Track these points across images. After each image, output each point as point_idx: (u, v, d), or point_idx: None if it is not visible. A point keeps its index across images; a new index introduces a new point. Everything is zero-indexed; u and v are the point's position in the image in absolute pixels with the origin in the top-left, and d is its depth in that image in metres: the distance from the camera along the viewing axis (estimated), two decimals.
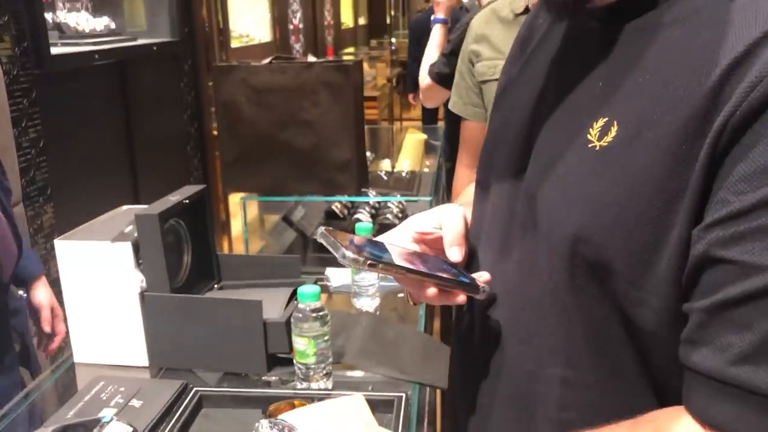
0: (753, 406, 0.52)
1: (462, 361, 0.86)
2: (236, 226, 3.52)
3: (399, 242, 0.79)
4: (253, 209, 3.35)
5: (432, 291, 0.72)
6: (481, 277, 0.74)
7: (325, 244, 0.68)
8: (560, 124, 0.69)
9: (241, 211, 3.09)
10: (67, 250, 1.33)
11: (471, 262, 0.80)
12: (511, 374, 0.73)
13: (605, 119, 0.62)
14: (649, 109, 0.59)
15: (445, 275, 0.72)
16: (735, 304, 0.53)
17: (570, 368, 0.66)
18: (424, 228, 0.79)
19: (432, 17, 2.59)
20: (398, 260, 0.70)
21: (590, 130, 0.63)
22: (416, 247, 0.80)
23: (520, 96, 0.77)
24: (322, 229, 0.69)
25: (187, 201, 1.38)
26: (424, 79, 2.44)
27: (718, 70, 0.54)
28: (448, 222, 0.78)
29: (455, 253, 0.76)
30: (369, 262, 0.67)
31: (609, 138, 0.61)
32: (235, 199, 3.87)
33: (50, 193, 2.37)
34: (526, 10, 1.67)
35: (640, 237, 0.58)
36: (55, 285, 1.54)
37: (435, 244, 0.79)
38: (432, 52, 2.48)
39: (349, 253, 0.66)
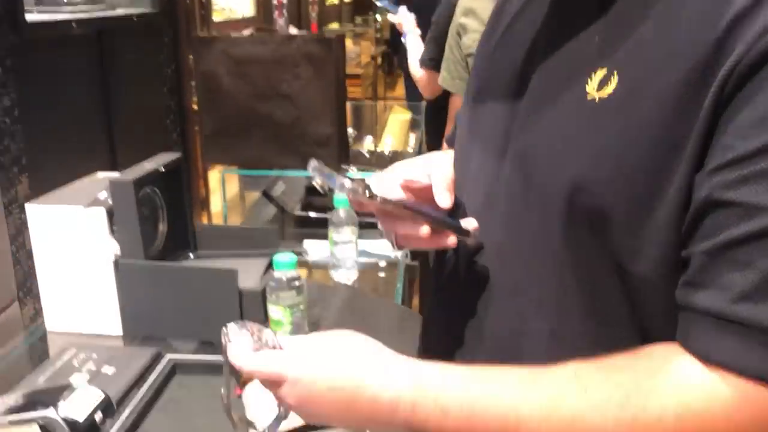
0: (756, 341, 0.53)
1: (440, 315, 0.85)
2: (216, 202, 3.50)
3: (386, 188, 0.79)
4: (233, 186, 3.33)
5: (425, 230, 0.71)
6: (470, 224, 0.73)
7: (318, 177, 0.67)
8: (553, 78, 0.68)
9: (220, 185, 3.08)
10: (38, 214, 1.31)
11: (454, 216, 0.80)
12: (495, 328, 0.72)
13: (604, 71, 0.62)
14: (650, 60, 0.59)
15: (438, 215, 0.72)
16: (738, 244, 0.53)
17: (560, 321, 0.66)
18: (413, 176, 0.78)
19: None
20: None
21: (588, 81, 0.63)
22: (402, 195, 0.80)
23: (506, 56, 0.77)
24: (314, 161, 0.68)
25: (162, 169, 1.36)
26: (418, 71, 2.42)
27: (724, 22, 0.54)
28: (438, 168, 0.78)
29: (445, 199, 0.75)
30: (368, 192, 0.67)
31: (609, 89, 0.61)
32: (215, 175, 3.85)
33: (24, 164, 2.32)
34: None
35: (640, 187, 0.58)
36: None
37: (421, 194, 0.79)
38: (414, 42, 2.46)
39: (347, 182, 0.66)
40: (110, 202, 1.28)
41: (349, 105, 2.81)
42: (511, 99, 0.73)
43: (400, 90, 6.87)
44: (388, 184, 0.81)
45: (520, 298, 0.69)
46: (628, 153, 0.59)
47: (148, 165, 1.34)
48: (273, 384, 0.67)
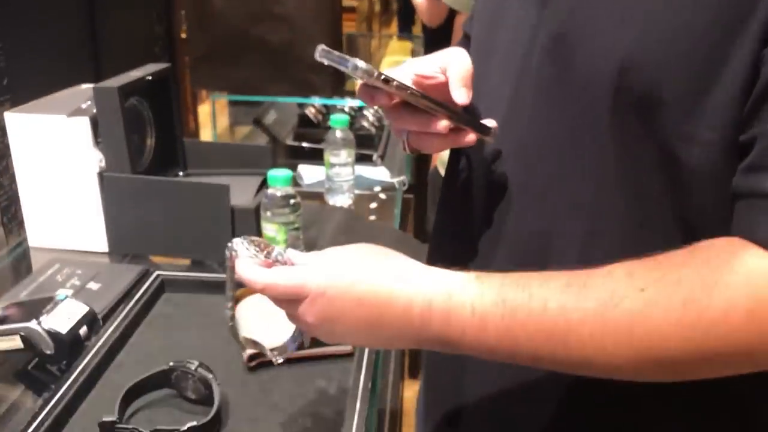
0: None
1: (450, 227, 0.79)
2: (206, 135, 3.41)
3: None
4: (223, 118, 3.24)
5: (443, 123, 0.65)
6: (489, 123, 0.67)
7: (327, 61, 0.60)
8: None
9: (210, 118, 2.99)
10: (18, 123, 1.23)
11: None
12: (518, 233, 0.66)
13: None
14: None
15: (457, 109, 0.66)
16: None
17: (596, 221, 0.61)
18: (426, 71, 0.71)
19: None
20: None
21: None
22: None
23: None
24: (322, 45, 0.61)
25: (150, 78, 1.28)
26: None
27: None
28: (455, 61, 0.70)
29: (462, 95, 0.68)
30: (383, 77, 0.60)
31: None
32: (205, 109, 3.75)
33: (7, 84, 2.23)
34: None
35: (697, 65, 0.53)
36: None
37: (436, 91, 0.72)
38: None
39: (361, 64, 0.59)
40: (94, 111, 1.21)
41: (343, 38, 2.70)
42: None
43: (394, 27, 6.71)
44: (401, 79, 0.74)
45: (549, 199, 0.63)
46: (687, 24, 0.53)
47: (135, 73, 1.27)
48: (290, 302, 0.60)
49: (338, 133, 1.53)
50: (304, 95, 2.16)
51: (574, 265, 0.55)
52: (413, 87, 0.64)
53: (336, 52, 0.61)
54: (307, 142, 2.17)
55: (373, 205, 1.63)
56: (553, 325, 0.53)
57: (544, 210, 0.64)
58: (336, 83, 2.15)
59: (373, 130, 2.20)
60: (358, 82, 0.67)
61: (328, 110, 2.36)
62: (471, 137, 0.67)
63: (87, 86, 1.39)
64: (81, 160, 1.23)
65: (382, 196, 1.67)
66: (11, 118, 1.23)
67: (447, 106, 0.65)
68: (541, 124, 0.64)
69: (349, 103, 2.34)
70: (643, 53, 0.54)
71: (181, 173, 1.42)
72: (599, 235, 0.61)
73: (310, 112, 2.33)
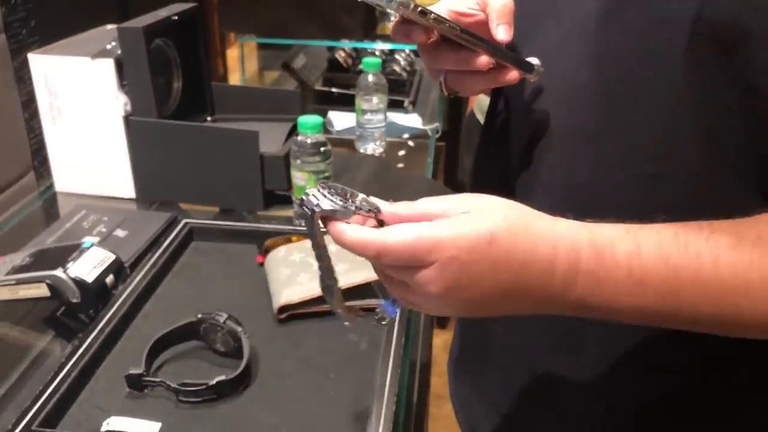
0: None
1: (489, 172, 0.75)
2: (234, 80, 3.36)
3: None
4: (252, 63, 3.18)
5: (483, 60, 0.60)
6: (532, 60, 0.62)
7: None
8: None
9: (239, 63, 2.94)
10: (42, 65, 1.20)
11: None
12: (568, 181, 0.61)
13: None
14: None
15: (498, 45, 0.60)
16: None
17: (664, 165, 0.55)
18: (462, 7, 0.66)
19: None
20: None
21: None
22: None
23: None
24: None
25: (176, 18, 1.23)
26: None
27: None
28: None
29: (503, 32, 0.62)
30: (420, 8, 0.56)
31: None
32: (233, 53, 3.69)
33: (34, 26, 2.19)
34: None
35: None
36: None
37: (474, 29, 0.66)
38: None
39: None
40: (118, 52, 1.17)
41: None
42: None
43: None
44: None
45: (604, 142, 0.58)
46: None
47: (161, 13, 1.22)
48: (406, 268, 0.49)
49: (370, 77, 1.47)
50: (334, 38, 2.10)
51: (634, 213, 0.51)
52: (450, 21, 0.59)
53: None
54: (336, 87, 2.12)
55: (405, 153, 1.58)
56: (726, 287, 0.48)
57: (599, 154, 0.59)
58: (367, 25, 2.08)
59: (404, 74, 2.13)
60: (391, 24, 0.62)
61: (358, 54, 2.29)
62: (513, 74, 0.62)
63: (112, 26, 1.35)
64: (106, 103, 1.19)
65: (414, 143, 1.62)
66: (35, 59, 1.19)
67: (487, 42, 0.60)
68: (595, 62, 0.58)
69: (380, 46, 2.26)
70: None
71: (209, 118, 1.38)
72: (666, 180, 0.56)
73: (340, 56, 2.27)
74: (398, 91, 1.93)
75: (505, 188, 0.67)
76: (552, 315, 0.53)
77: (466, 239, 0.48)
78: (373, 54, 2.22)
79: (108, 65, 1.16)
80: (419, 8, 0.56)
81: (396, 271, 0.50)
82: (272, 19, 2.07)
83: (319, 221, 0.52)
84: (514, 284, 0.49)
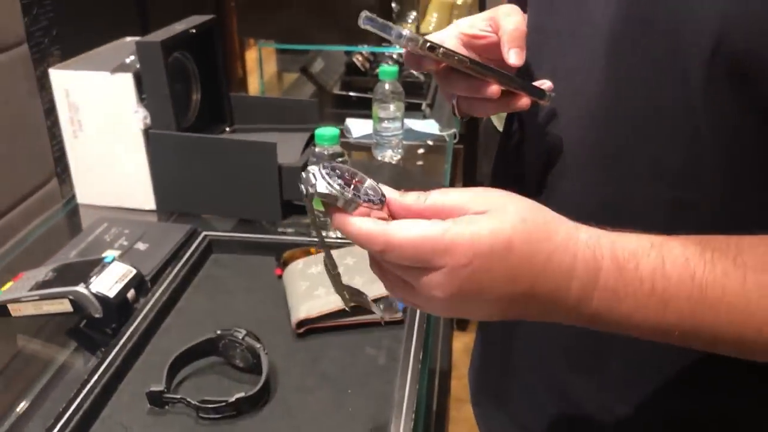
0: None
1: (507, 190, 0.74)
2: (253, 83, 3.38)
3: (446, 44, 0.67)
4: (271, 65, 3.19)
5: (493, 90, 0.60)
6: (543, 84, 0.61)
7: (371, 28, 0.56)
8: None
9: (257, 65, 2.95)
10: (63, 80, 1.21)
11: (525, 79, 0.68)
12: (586, 203, 0.60)
13: None
14: None
15: (508, 73, 0.61)
16: None
17: (685, 190, 0.55)
18: (474, 30, 0.66)
19: None
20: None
21: None
22: (464, 53, 0.68)
23: None
24: (365, 12, 0.57)
25: (194, 30, 1.24)
26: None
27: None
28: (507, 19, 0.64)
29: (515, 56, 0.62)
30: (429, 44, 0.56)
31: None
32: (252, 54, 3.70)
33: (55, 35, 2.21)
34: None
35: None
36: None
37: (486, 51, 0.66)
38: None
39: (406, 31, 0.55)
40: (137, 66, 1.18)
41: None
42: None
43: None
44: (448, 42, 0.69)
45: (624, 164, 0.58)
46: None
47: (179, 27, 1.23)
48: (412, 269, 0.46)
49: (387, 86, 1.47)
50: (352, 43, 2.10)
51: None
52: (460, 53, 0.59)
53: (380, 20, 0.57)
54: (354, 91, 2.12)
55: (422, 160, 1.58)
56: (751, 310, 0.47)
57: (617, 178, 0.59)
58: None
59: (421, 77, 2.13)
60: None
61: (375, 57, 2.29)
62: (525, 101, 0.62)
63: (131, 39, 1.36)
64: (126, 116, 1.20)
65: (431, 148, 1.62)
66: (56, 74, 1.21)
67: (497, 71, 0.61)
68: (614, 85, 0.58)
69: (398, 50, 2.26)
70: (743, 17, 0.48)
71: (227, 128, 1.39)
72: (687, 206, 0.55)
73: (357, 59, 2.27)
74: (416, 93, 1.93)
75: None
76: (572, 330, 0.52)
77: (481, 245, 0.45)
78: (390, 57, 2.22)
79: (127, 79, 1.17)
80: (428, 43, 0.57)
81: (400, 269, 0.47)
82: (291, 24, 2.08)
83: (313, 203, 0.48)
84: (525, 293, 0.47)
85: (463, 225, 0.46)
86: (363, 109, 1.73)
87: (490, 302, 0.48)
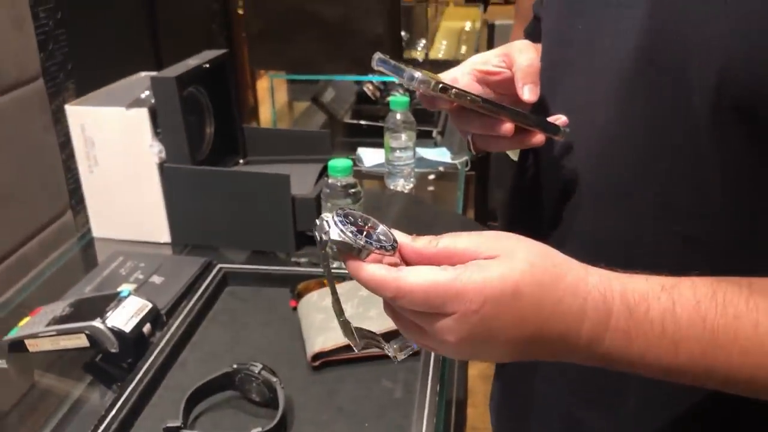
0: None
1: (520, 225, 0.75)
2: (264, 112, 3.41)
3: (459, 82, 0.67)
4: (282, 94, 3.22)
5: (507, 127, 0.60)
6: (558, 120, 0.62)
7: (384, 70, 0.57)
8: None
9: (269, 94, 2.98)
10: (78, 116, 1.23)
11: (540, 114, 0.68)
12: (599, 237, 0.61)
13: None
14: None
15: (521, 110, 0.61)
16: None
17: (695, 227, 0.55)
18: (488, 66, 0.66)
19: None
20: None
21: None
22: (478, 89, 0.68)
23: None
24: (378, 53, 0.58)
25: (207, 65, 1.26)
26: None
27: None
28: (520, 56, 0.65)
29: (529, 92, 0.63)
30: (441, 85, 0.56)
31: None
32: (263, 84, 3.74)
33: (71, 69, 2.25)
34: None
35: None
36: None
37: (500, 87, 0.67)
38: None
39: (418, 74, 0.55)
40: (153, 101, 1.19)
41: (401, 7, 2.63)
42: None
43: None
44: (462, 80, 0.70)
45: (635, 200, 0.58)
46: None
47: (192, 62, 1.24)
48: (424, 314, 0.47)
49: (398, 116, 1.48)
50: (361, 73, 2.12)
51: (666, 272, 0.50)
52: (472, 93, 0.60)
53: (392, 61, 0.58)
54: (365, 120, 2.14)
55: (434, 187, 1.58)
56: (764, 353, 0.47)
57: (630, 212, 0.59)
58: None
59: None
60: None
61: (385, 86, 2.31)
62: (539, 138, 0.62)
63: (145, 74, 1.38)
64: (141, 150, 1.22)
65: (443, 175, 1.63)
66: (72, 111, 1.23)
67: (510, 108, 0.61)
68: (625, 120, 0.58)
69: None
70: (748, 58, 0.48)
71: (241, 161, 1.40)
72: (697, 242, 0.55)
73: (368, 89, 2.29)
74: (427, 121, 1.94)
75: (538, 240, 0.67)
76: (589, 367, 0.52)
77: (491, 291, 0.46)
78: (400, 86, 2.24)
79: (142, 114, 1.19)
80: (440, 85, 0.57)
81: (412, 314, 0.48)
82: (301, 56, 2.10)
83: (328, 250, 0.49)
84: (533, 335, 0.48)
85: (473, 271, 0.46)
86: (374, 137, 1.74)
87: (501, 345, 0.48)
